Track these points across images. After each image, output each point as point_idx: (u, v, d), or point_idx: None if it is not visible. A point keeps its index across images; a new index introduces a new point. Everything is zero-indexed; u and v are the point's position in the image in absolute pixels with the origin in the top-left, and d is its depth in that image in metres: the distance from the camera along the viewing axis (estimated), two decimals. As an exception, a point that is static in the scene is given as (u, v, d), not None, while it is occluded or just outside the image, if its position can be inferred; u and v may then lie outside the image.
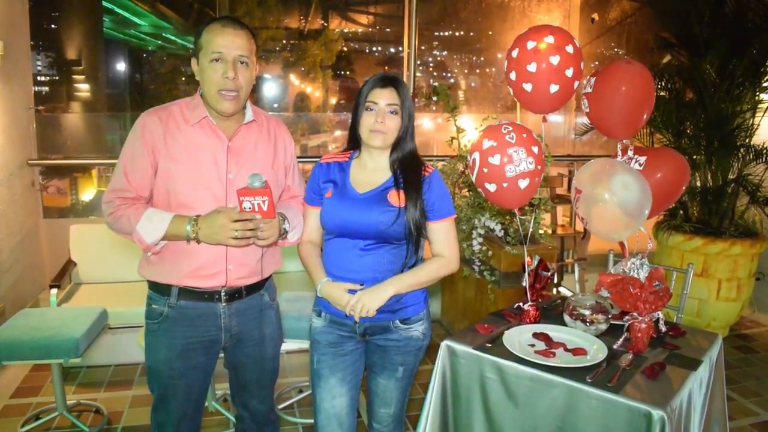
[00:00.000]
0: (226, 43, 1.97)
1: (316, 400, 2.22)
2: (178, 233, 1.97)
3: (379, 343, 2.18)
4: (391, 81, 2.09)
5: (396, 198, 2.08)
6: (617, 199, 2.42)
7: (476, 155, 2.37)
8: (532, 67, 2.38)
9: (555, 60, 2.36)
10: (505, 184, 2.35)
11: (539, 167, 2.36)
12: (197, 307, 2.11)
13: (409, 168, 2.12)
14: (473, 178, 2.44)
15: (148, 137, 2.01)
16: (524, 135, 2.33)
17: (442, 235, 2.16)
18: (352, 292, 2.07)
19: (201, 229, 1.96)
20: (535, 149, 2.33)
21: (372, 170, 2.16)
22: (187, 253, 2.05)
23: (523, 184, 2.34)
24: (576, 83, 2.45)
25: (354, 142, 2.19)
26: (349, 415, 2.21)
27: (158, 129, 2.02)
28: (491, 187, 2.39)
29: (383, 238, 2.07)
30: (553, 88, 2.41)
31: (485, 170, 2.36)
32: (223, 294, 2.13)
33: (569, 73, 2.39)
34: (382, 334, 2.16)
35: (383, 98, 2.06)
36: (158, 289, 2.12)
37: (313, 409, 2.25)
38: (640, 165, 2.63)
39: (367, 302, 2.02)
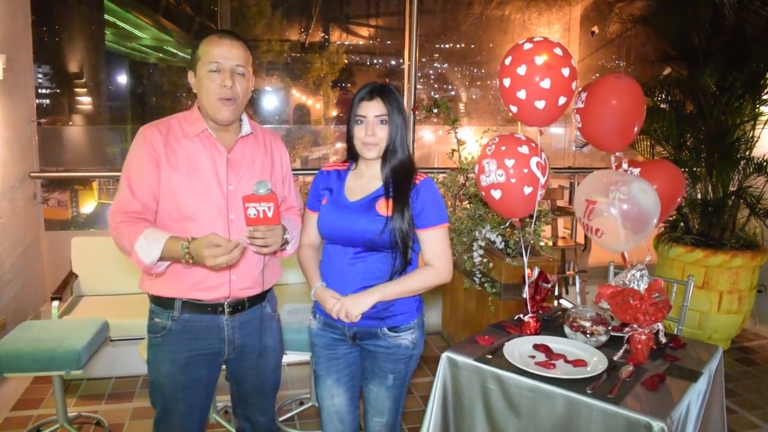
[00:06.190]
0: (223, 53, 2.00)
1: (318, 397, 2.32)
2: (174, 254, 1.91)
3: (370, 348, 2.21)
4: (378, 92, 2.10)
5: (384, 207, 2.09)
6: (636, 204, 2.41)
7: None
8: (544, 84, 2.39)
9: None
10: (482, 193, 2.51)
11: (513, 181, 2.38)
12: (201, 320, 2.11)
13: (399, 176, 2.13)
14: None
15: (151, 149, 2.02)
16: (503, 148, 2.37)
17: (431, 243, 2.15)
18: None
19: (192, 252, 1.88)
20: (509, 162, 2.36)
21: (367, 179, 2.18)
22: (189, 266, 2.03)
23: (495, 194, 2.43)
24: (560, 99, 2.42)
25: (351, 153, 2.21)
26: (349, 412, 2.31)
27: (159, 141, 2.02)
28: (483, 193, 2.54)
29: (371, 246, 2.09)
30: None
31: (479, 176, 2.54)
32: (226, 306, 2.13)
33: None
34: (371, 340, 2.19)
35: (371, 110, 2.09)
36: (161, 302, 2.12)
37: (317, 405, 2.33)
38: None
39: (348, 307, 2.06)
